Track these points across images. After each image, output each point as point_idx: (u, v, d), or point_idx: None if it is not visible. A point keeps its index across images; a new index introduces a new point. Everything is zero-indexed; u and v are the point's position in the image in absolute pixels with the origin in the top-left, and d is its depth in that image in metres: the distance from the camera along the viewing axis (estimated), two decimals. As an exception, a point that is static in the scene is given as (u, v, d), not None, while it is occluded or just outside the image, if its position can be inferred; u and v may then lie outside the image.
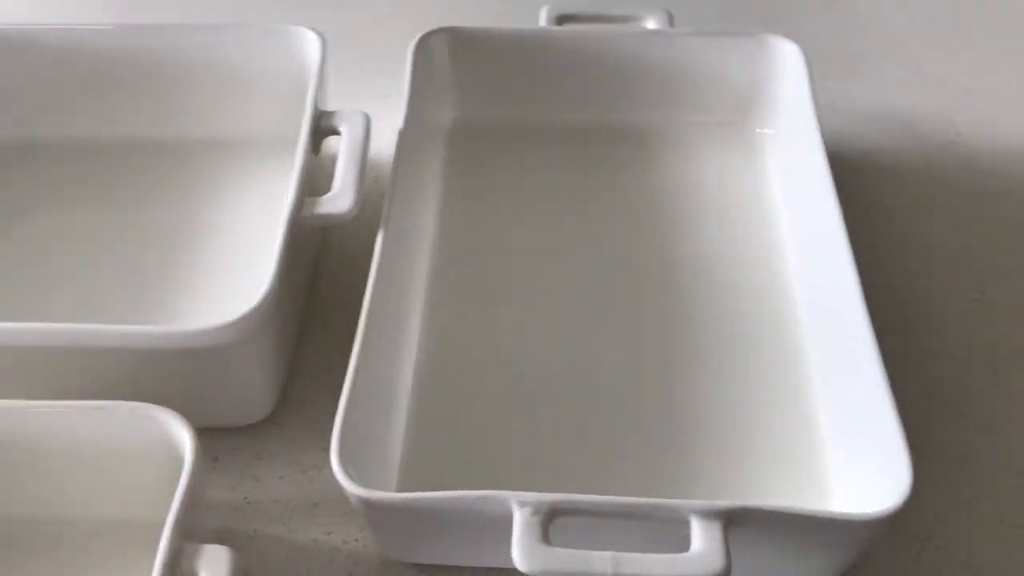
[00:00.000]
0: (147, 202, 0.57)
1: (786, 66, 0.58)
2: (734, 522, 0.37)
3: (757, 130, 0.60)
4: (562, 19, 0.60)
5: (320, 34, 0.56)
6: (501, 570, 0.43)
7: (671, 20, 0.60)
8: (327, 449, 0.41)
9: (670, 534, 0.37)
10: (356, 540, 0.44)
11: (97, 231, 0.56)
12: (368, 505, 0.39)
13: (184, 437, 0.39)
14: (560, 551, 0.37)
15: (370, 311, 0.45)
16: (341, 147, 0.51)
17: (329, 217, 0.48)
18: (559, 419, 0.48)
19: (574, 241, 0.56)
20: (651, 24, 0.60)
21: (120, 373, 0.43)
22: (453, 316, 0.52)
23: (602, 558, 0.36)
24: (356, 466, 0.39)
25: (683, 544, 0.37)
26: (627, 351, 0.50)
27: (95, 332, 0.43)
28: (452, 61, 0.59)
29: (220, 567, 0.36)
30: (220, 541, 0.38)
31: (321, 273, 0.56)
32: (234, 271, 0.52)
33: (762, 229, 0.56)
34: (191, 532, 0.37)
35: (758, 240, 0.55)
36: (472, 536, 0.41)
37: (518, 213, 0.57)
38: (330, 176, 0.50)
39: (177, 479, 0.38)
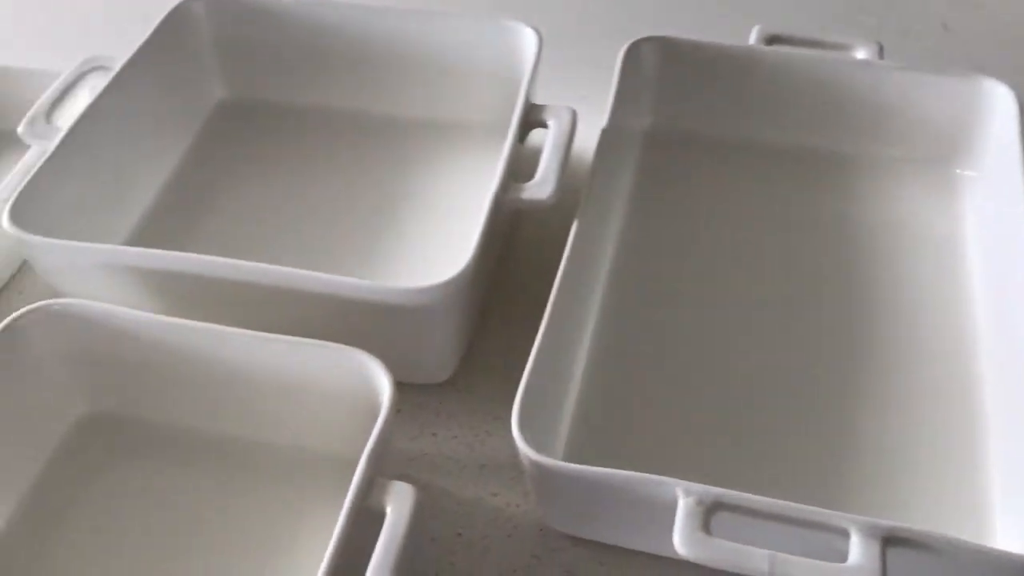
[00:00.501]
0: (366, 170, 0.62)
1: (996, 108, 0.58)
2: (893, 542, 0.38)
3: (958, 171, 0.60)
4: (772, 39, 0.62)
5: (538, 31, 0.60)
6: (650, 556, 0.45)
7: (881, 52, 0.60)
8: (499, 417, 0.44)
9: (824, 543, 0.39)
10: (518, 505, 0.48)
11: (322, 190, 0.61)
12: (540, 470, 0.42)
13: (384, 382, 0.43)
14: (720, 542, 0.38)
15: (558, 292, 0.48)
16: (548, 139, 0.54)
17: (530, 202, 0.51)
18: (725, 417, 0.50)
19: (756, 255, 0.57)
20: (861, 54, 0.61)
21: (329, 319, 0.47)
22: (630, 309, 0.54)
23: (760, 555, 0.38)
24: (531, 432, 0.42)
25: (835, 554, 0.38)
26: (801, 363, 0.52)
27: (314, 279, 0.47)
28: (659, 69, 0.61)
29: (405, 502, 0.39)
30: (398, 485, 0.41)
31: (509, 254, 0.60)
32: (436, 241, 0.56)
33: (952, 268, 0.55)
34: (381, 469, 0.41)
35: (946, 278, 0.55)
36: (631, 516, 0.43)
37: (704, 222, 0.59)
38: (531, 164, 0.53)
39: (370, 421, 0.42)
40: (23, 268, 0.58)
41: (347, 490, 0.39)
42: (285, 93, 0.66)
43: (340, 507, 0.39)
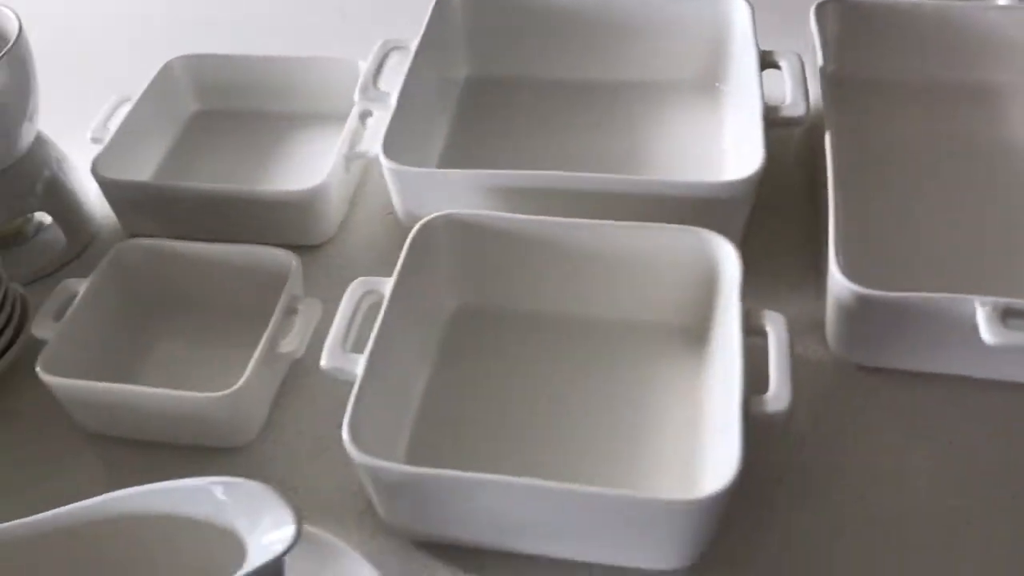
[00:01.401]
0: (596, 132, 0.75)
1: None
2: None
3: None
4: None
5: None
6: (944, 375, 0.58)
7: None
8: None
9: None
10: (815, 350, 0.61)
11: (562, 151, 0.73)
12: (864, 302, 0.55)
13: (728, 249, 0.56)
14: (1016, 332, 0.52)
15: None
16: (785, 77, 0.68)
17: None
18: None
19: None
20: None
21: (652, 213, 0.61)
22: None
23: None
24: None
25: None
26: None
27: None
28: (842, 24, 0.76)
29: (780, 326, 0.52)
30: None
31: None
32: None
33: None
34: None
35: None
36: (931, 337, 0.56)
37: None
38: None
39: (708, 290, 0.56)
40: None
41: (693, 352, 0.52)
42: (523, 67, 0.79)
43: (690, 365, 0.52)
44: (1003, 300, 0.53)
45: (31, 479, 0.57)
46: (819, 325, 0.61)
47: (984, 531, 0.52)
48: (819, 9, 0.75)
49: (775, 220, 0.68)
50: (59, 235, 0.69)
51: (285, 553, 0.41)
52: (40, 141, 0.69)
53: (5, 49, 0.62)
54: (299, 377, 0.61)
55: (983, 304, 0.53)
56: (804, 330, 0.61)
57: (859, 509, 0.53)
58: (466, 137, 0.75)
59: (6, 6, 0.65)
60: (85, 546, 0.46)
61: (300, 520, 0.42)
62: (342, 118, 0.71)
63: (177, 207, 0.68)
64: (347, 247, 0.69)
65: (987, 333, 0.52)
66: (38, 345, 0.58)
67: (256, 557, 0.42)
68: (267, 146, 0.76)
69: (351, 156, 0.68)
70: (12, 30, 0.64)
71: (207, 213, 0.68)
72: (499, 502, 0.48)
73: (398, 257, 0.57)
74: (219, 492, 0.45)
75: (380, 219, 0.71)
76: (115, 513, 0.46)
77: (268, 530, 0.43)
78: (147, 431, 0.57)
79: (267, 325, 0.57)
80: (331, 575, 0.50)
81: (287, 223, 0.67)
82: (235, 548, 0.44)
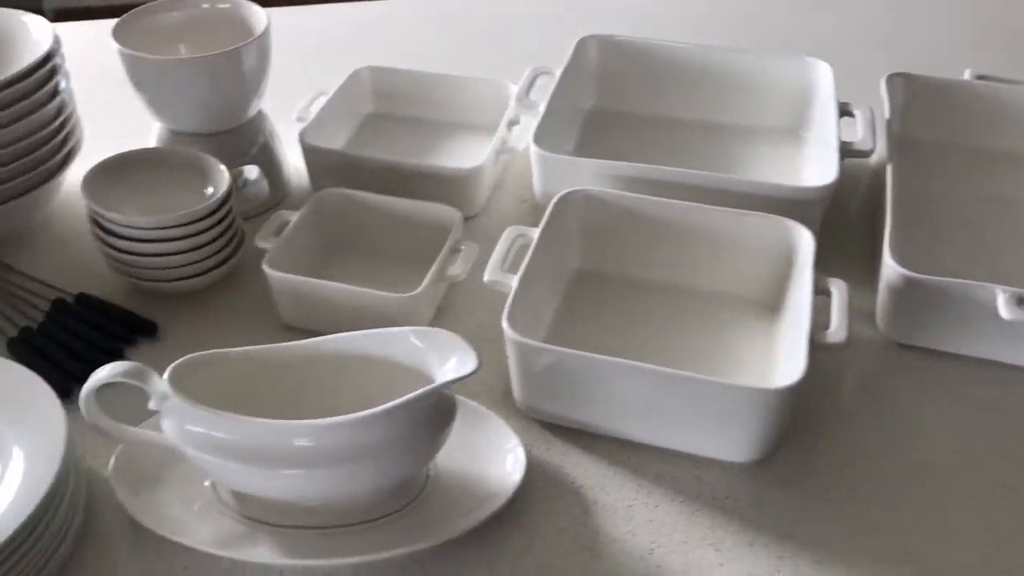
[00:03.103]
0: (697, 161, 0.91)
1: None
2: None
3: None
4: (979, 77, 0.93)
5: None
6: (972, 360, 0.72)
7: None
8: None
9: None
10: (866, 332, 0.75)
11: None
12: (908, 284, 0.69)
13: (805, 236, 0.71)
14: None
15: None
16: (859, 122, 0.84)
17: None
18: None
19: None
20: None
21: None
22: None
23: None
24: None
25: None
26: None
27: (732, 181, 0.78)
28: (911, 93, 0.92)
29: (842, 287, 0.67)
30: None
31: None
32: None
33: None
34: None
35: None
36: (961, 318, 0.70)
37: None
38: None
39: (784, 270, 0.71)
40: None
41: (770, 318, 0.67)
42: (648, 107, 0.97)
43: (767, 327, 0.67)
44: (1020, 290, 0.67)
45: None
46: (870, 313, 0.76)
47: (991, 478, 0.66)
48: (889, 79, 0.91)
49: (843, 231, 0.84)
50: (262, 189, 0.87)
51: (471, 375, 0.57)
52: (260, 114, 0.88)
53: (254, 37, 0.81)
54: (455, 298, 0.78)
55: (1003, 291, 0.68)
56: (857, 316, 0.76)
57: (894, 452, 0.67)
58: (595, 140, 0.93)
59: (258, 5, 0.85)
60: (300, 374, 0.62)
61: (479, 359, 0.57)
62: (487, 128, 0.90)
63: (360, 174, 0.85)
64: (489, 222, 0.86)
65: (1004, 311, 0.66)
66: (251, 258, 0.76)
67: (439, 381, 0.57)
68: (425, 144, 0.94)
69: (502, 150, 0.86)
70: (261, 24, 0.83)
71: (382, 181, 0.84)
72: (621, 385, 0.63)
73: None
74: (414, 337, 0.61)
75: (516, 204, 0.89)
76: (330, 351, 0.62)
77: (454, 367, 0.58)
78: (337, 324, 0.72)
79: (433, 263, 0.74)
80: (481, 435, 0.65)
81: (447, 196, 0.83)
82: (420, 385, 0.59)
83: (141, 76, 0.81)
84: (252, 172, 0.87)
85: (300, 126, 0.88)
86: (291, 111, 0.91)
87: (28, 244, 0.84)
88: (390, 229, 0.80)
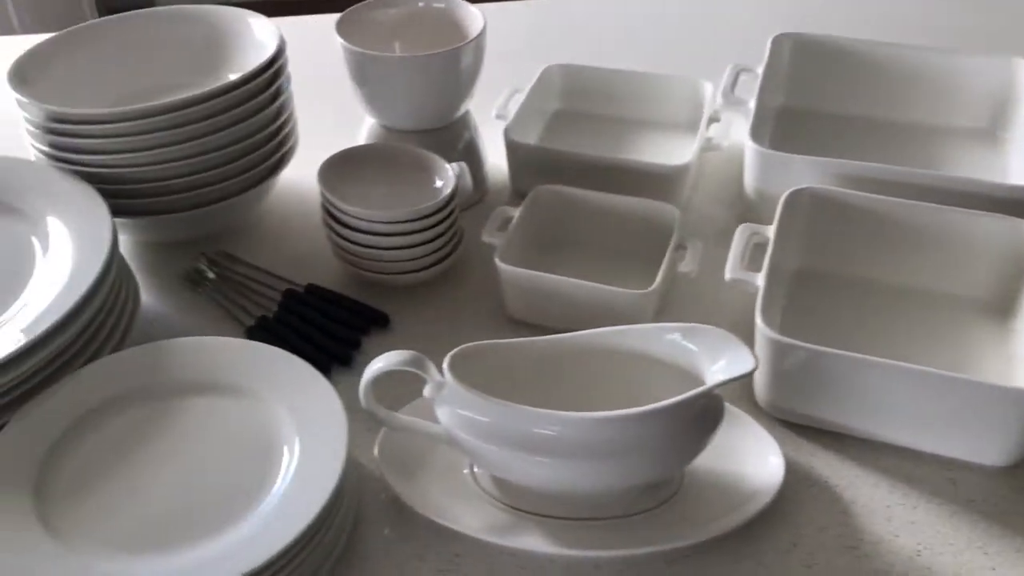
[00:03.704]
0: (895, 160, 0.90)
1: None
2: None
3: None
4: None
5: None
6: None
7: None
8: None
9: None
10: None
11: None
12: None
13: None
14: None
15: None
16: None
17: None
18: None
19: None
20: None
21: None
22: None
23: None
24: None
25: None
26: None
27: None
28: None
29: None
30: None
31: None
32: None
33: None
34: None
35: None
36: None
37: None
38: None
39: (1010, 272, 0.70)
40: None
41: (1001, 323, 0.67)
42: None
43: (995, 333, 0.66)
44: None
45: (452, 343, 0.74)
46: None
47: None
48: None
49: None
50: (466, 185, 0.88)
51: (749, 374, 0.57)
52: (466, 112, 0.89)
53: (472, 37, 0.82)
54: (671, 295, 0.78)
55: None
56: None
57: None
58: (791, 138, 0.92)
59: (478, 8, 0.86)
60: (563, 367, 0.63)
61: (756, 357, 0.58)
62: (675, 125, 0.92)
63: (563, 169, 0.86)
64: (690, 219, 0.86)
65: None
66: (471, 252, 0.78)
67: (716, 379, 0.58)
68: (615, 141, 0.94)
69: (707, 147, 0.86)
70: (477, 24, 0.84)
71: (585, 177, 0.85)
72: (877, 384, 0.63)
73: (732, 226, 0.75)
74: (680, 334, 0.61)
75: (713, 201, 0.89)
76: (594, 345, 0.63)
77: (726, 366, 0.58)
78: (566, 319, 0.73)
79: (649, 261, 0.75)
80: (734, 435, 0.64)
81: (652, 192, 0.84)
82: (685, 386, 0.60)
83: (364, 72, 0.82)
84: (458, 169, 0.88)
85: (496, 123, 0.90)
86: (481, 108, 0.92)
87: (246, 236, 0.87)
88: (605, 225, 0.81)
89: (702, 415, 0.59)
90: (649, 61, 1.01)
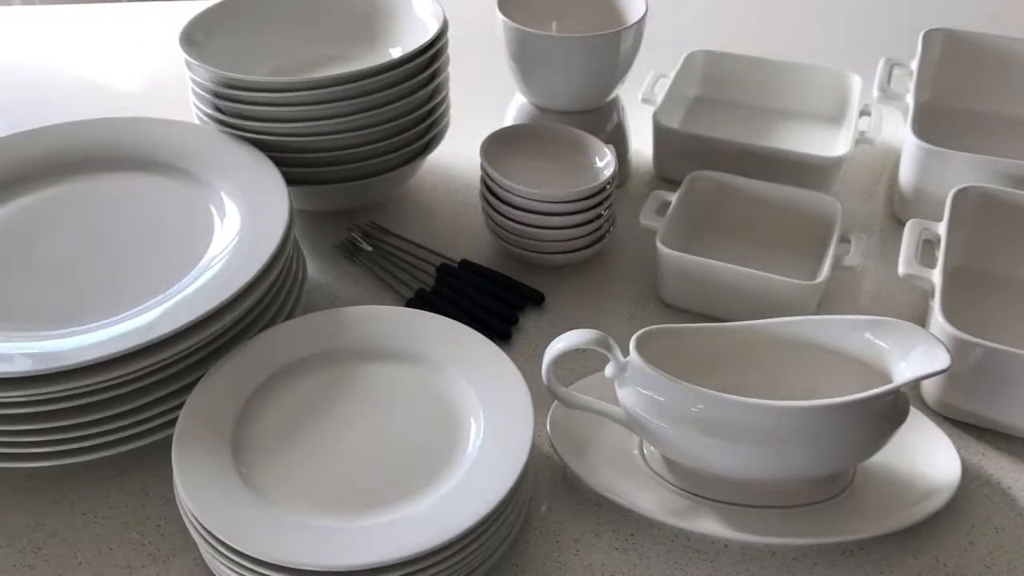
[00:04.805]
0: None
1: None
2: None
3: None
4: None
5: None
6: None
7: None
8: None
9: None
10: None
11: None
12: None
13: None
14: None
15: None
16: None
17: None
18: None
19: None
20: None
21: None
22: None
23: None
24: None
25: None
26: None
27: None
28: None
29: None
30: None
31: None
32: None
33: None
34: None
35: None
36: None
37: None
38: None
39: None
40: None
41: None
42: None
43: None
44: None
45: (603, 324, 0.76)
46: None
47: None
48: None
49: None
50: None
51: (944, 371, 0.56)
52: (616, 96, 0.89)
53: (635, 21, 0.82)
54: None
55: None
56: None
57: None
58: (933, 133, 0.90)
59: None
60: (743, 353, 0.63)
61: (951, 351, 0.57)
62: (817, 116, 0.92)
63: (711, 156, 0.86)
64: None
65: None
66: (618, 235, 0.79)
67: (910, 375, 0.57)
68: (757, 129, 0.93)
69: (861, 139, 0.85)
70: (637, 7, 0.84)
71: (733, 164, 0.85)
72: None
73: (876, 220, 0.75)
74: (867, 328, 0.61)
75: (859, 195, 0.88)
76: (778, 334, 0.63)
77: (917, 361, 0.58)
78: (724, 306, 0.74)
79: (804, 252, 0.76)
80: (908, 431, 0.63)
81: (804, 183, 0.83)
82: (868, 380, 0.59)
83: (523, 49, 0.82)
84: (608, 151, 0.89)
85: (639, 107, 0.90)
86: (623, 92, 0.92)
87: (394, 209, 0.88)
88: (761, 214, 0.80)
89: (889, 411, 0.59)
90: (783, 50, 1.00)
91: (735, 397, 0.57)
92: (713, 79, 0.98)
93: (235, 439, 0.59)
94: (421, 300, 0.77)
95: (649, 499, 0.62)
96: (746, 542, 0.60)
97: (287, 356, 0.64)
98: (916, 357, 0.59)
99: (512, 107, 0.89)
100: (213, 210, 0.73)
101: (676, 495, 0.62)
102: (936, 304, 0.66)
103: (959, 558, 0.60)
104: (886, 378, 0.59)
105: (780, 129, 0.94)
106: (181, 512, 0.57)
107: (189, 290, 0.65)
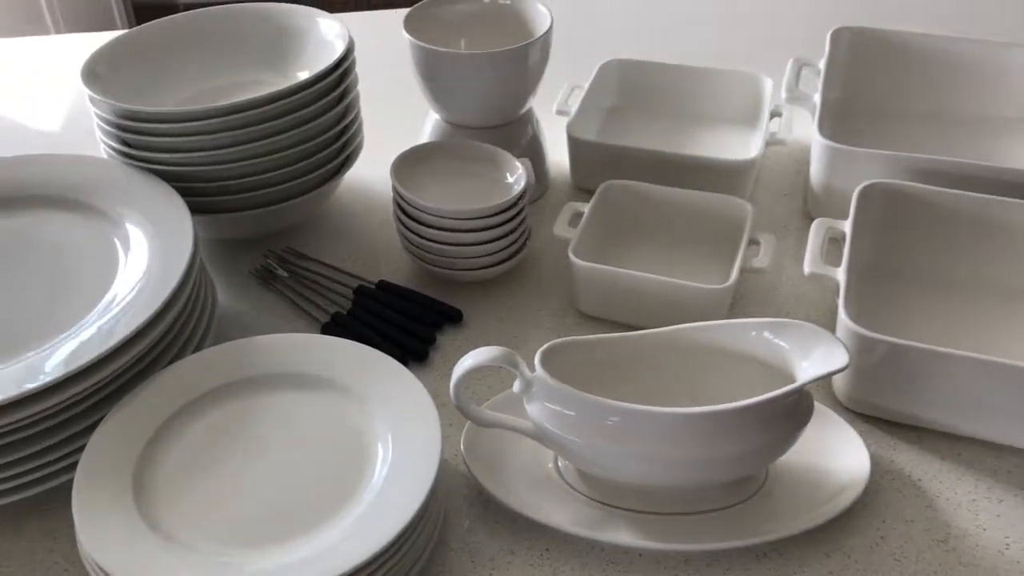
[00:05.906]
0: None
1: None
2: None
3: None
4: None
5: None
6: None
7: None
8: None
9: None
10: None
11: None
12: None
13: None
14: None
15: None
16: None
17: None
18: None
19: None
20: None
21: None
22: None
23: None
24: None
25: None
26: None
27: None
28: None
29: None
30: None
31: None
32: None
33: None
34: None
35: None
36: None
37: None
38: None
39: None
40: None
41: None
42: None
43: None
44: None
45: (522, 338, 0.76)
46: None
47: None
48: None
49: None
50: (529, 182, 0.89)
51: (842, 370, 0.57)
52: (529, 108, 0.89)
53: (540, 34, 0.82)
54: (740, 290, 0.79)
55: None
56: None
57: None
58: (845, 132, 0.90)
59: (544, 5, 0.86)
60: (648, 362, 0.63)
61: (849, 351, 0.58)
62: (732, 120, 0.93)
63: (626, 165, 0.86)
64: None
65: None
66: (535, 247, 0.80)
67: (810, 375, 0.58)
68: (673, 136, 0.95)
69: (772, 140, 0.86)
70: (544, 21, 0.85)
71: (649, 172, 0.85)
72: (961, 378, 0.63)
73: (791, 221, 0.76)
74: (767, 329, 0.61)
75: (774, 196, 0.89)
76: (679, 340, 0.63)
77: (818, 360, 0.59)
78: (638, 314, 0.74)
79: (716, 256, 0.76)
80: (817, 429, 0.64)
81: (717, 187, 0.84)
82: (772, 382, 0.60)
83: (432, 68, 0.82)
84: (523, 165, 0.89)
85: (551, 118, 0.91)
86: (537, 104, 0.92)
87: (311, 233, 0.87)
88: (674, 220, 0.81)
89: (793, 411, 0.59)
90: (698, 56, 1.02)
91: (635, 405, 0.57)
92: (628, 88, 0.98)
93: (137, 480, 0.58)
94: (337, 324, 0.76)
95: (563, 513, 0.62)
96: (659, 550, 0.60)
97: (192, 391, 0.63)
98: (816, 357, 0.59)
99: (427, 124, 0.89)
100: (118, 244, 0.72)
101: (590, 507, 0.62)
102: (840, 302, 0.66)
103: (870, 554, 0.60)
104: (790, 378, 0.60)
105: (697, 134, 0.95)
106: (82, 558, 0.56)
107: (84, 334, 0.64)
